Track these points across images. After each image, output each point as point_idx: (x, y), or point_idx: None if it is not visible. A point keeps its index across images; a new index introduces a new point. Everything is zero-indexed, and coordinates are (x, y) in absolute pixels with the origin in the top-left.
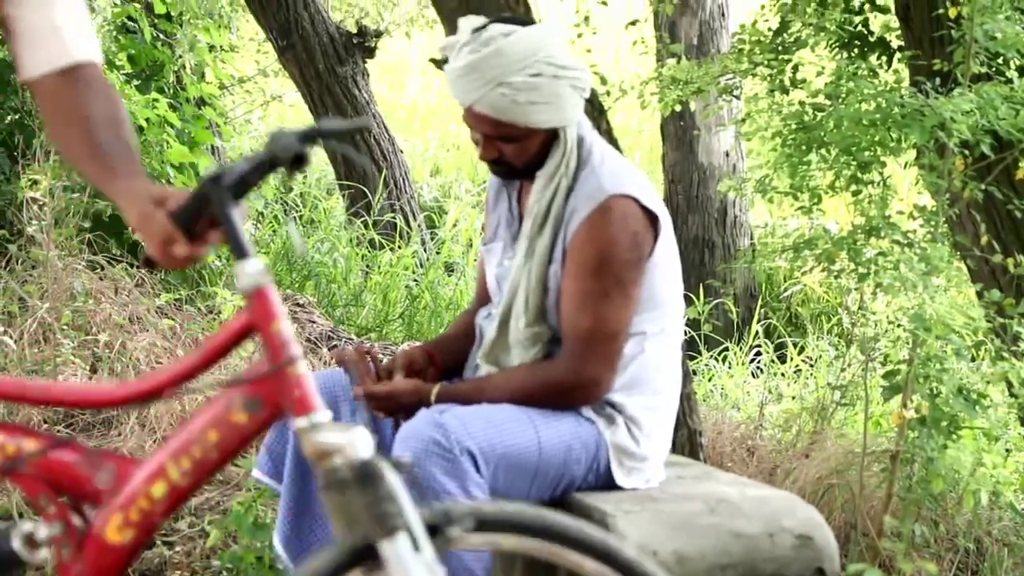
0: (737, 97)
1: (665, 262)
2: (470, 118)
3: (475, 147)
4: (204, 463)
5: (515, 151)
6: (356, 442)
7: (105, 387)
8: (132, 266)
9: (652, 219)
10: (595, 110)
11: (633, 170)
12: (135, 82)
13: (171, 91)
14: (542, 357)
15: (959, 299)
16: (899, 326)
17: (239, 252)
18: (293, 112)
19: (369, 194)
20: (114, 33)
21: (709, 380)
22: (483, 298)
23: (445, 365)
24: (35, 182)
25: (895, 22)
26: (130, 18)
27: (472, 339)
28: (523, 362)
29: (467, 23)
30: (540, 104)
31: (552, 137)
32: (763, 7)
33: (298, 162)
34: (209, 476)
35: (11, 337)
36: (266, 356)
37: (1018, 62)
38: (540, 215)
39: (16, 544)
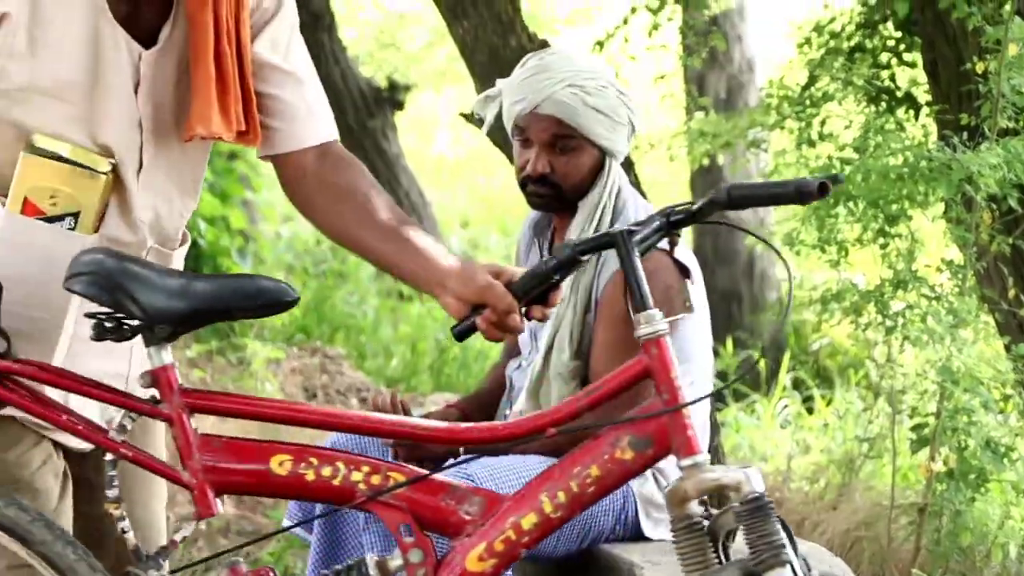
0: (765, 150)
1: (695, 316)
2: (530, 123)
3: (518, 174)
4: (580, 497)
5: (566, 166)
6: (751, 477)
7: (484, 425)
8: None
9: (683, 271)
10: (624, 163)
11: None
12: None
13: None
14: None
15: (987, 352)
16: (927, 379)
17: (642, 303)
18: None
19: None
20: None
21: (737, 432)
22: (512, 350)
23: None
24: None
25: (922, 76)
26: None
27: (503, 391)
28: (561, 396)
29: (501, 83)
30: (603, 117)
31: (598, 167)
32: (791, 61)
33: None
34: (581, 510)
35: None
36: (661, 399)
37: None
38: None
39: (373, 573)
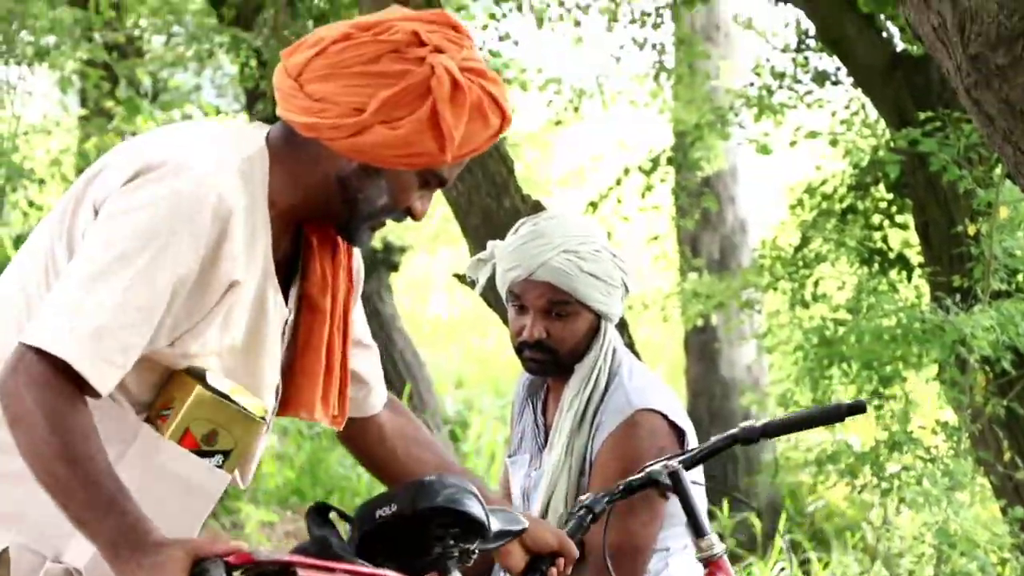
0: (759, 311)
1: (691, 478)
2: (525, 290)
3: (513, 339)
4: None
5: (562, 332)
6: None
7: None
8: None
9: (679, 434)
10: (619, 324)
11: (660, 384)
12: None
13: None
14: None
15: (983, 515)
16: (923, 542)
17: (701, 529)
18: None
19: None
20: None
21: None
22: None
23: None
24: None
25: (914, 238)
26: None
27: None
28: None
29: (493, 246)
30: (599, 281)
31: (594, 330)
32: (783, 222)
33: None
34: None
35: None
36: None
37: None
38: (579, 411)
39: None
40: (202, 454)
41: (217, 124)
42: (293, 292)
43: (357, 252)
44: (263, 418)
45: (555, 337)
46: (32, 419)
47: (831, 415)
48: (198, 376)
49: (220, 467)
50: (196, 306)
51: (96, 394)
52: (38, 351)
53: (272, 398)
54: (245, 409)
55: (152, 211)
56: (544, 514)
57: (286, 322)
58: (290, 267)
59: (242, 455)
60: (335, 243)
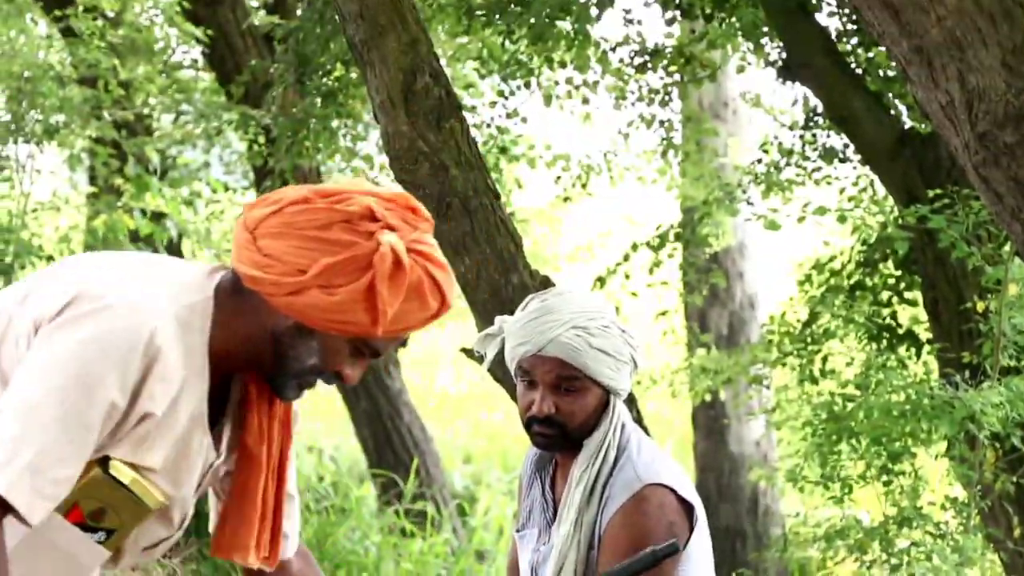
0: (767, 387)
1: (700, 554)
2: (535, 365)
3: (522, 415)
4: None
5: (571, 407)
6: None
7: None
8: (164, 556)
9: (688, 510)
10: (627, 399)
11: (668, 459)
12: None
13: None
14: None
15: None
16: None
17: None
18: (325, 402)
19: (400, 482)
20: None
21: None
22: None
23: None
24: None
25: (923, 314)
26: None
27: None
28: None
29: (501, 321)
30: (608, 357)
31: (603, 405)
32: (792, 298)
33: None
34: None
35: None
36: None
37: None
38: (588, 486)
39: None
40: (86, 528)
41: (168, 267)
42: (226, 436)
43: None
44: (155, 508)
45: (564, 412)
46: None
47: (647, 563)
48: (101, 461)
49: (101, 543)
50: (114, 430)
51: (26, 524)
52: None
53: (169, 527)
54: (138, 497)
55: (86, 348)
56: None
57: (211, 464)
58: (222, 409)
59: (125, 536)
60: (272, 394)
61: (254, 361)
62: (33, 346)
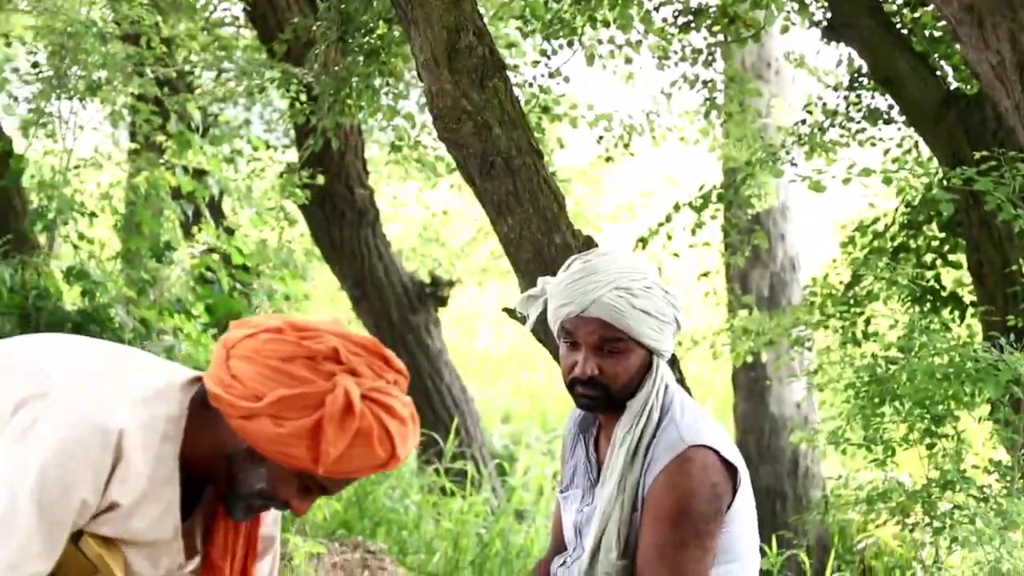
0: (809, 349)
1: (743, 514)
2: (578, 326)
3: (565, 376)
4: None
5: (615, 368)
6: None
7: None
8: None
9: (731, 471)
10: (670, 360)
11: (711, 421)
12: (212, 331)
13: None
14: None
15: None
16: None
17: None
18: None
19: (441, 441)
20: (192, 283)
21: None
22: (558, 546)
23: None
24: None
25: (967, 277)
26: (208, 268)
27: None
28: None
29: (544, 282)
30: (651, 318)
31: (646, 366)
32: (835, 260)
33: None
34: None
35: None
36: None
37: None
38: (631, 447)
39: None
40: None
41: (146, 370)
42: (197, 541)
43: (271, 519)
44: None
45: (607, 373)
46: None
47: None
48: (74, 536)
49: None
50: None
51: None
52: None
53: None
54: (103, 572)
55: (61, 453)
56: (596, 549)
57: (178, 566)
58: (191, 515)
59: None
60: None
61: (210, 476)
62: (5, 443)
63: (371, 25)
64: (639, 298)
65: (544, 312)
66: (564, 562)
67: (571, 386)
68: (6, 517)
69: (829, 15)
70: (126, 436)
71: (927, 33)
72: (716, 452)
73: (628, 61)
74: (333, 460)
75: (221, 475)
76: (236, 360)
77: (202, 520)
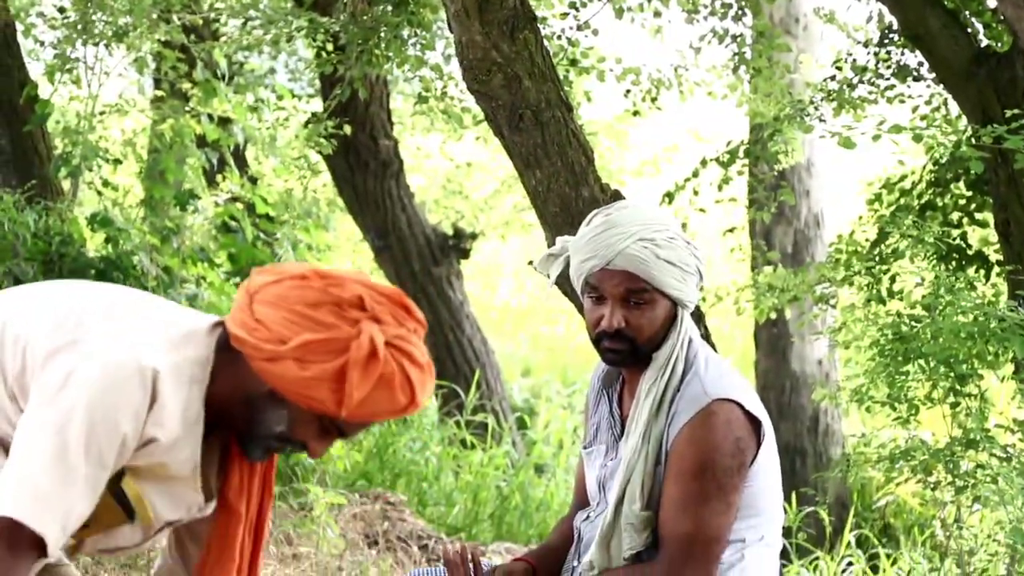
0: (833, 306)
1: (767, 469)
2: (603, 280)
3: (591, 331)
4: None
5: (640, 320)
6: None
7: None
8: None
9: (755, 425)
10: (695, 315)
11: (736, 374)
12: (235, 280)
13: None
14: (652, 543)
15: None
16: (997, 540)
17: None
18: None
19: (462, 393)
20: (215, 232)
21: None
22: (582, 501)
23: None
24: None
25: (993, 236)
26: (232, 217)
27: (571, 544)
28: (632, 547)
29: (563, 241)
30: (675, 268)
31: (671, 318)
32: (860, 217)
33: None
34: None
35: None
36: None
37: None
38: (657, 399)
39: None
40: None
41: (172, 315)
42: (212, 485)
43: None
44: (144, 522)
45: (633, 325)
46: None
47: None
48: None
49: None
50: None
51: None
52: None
53: (141, 535)
54: (133, 511)
55: (103, 399)
56: (620, 501)
57: (197, 508)
58: (210, 459)
59: (92, 533)
60: None
61: (230, 418)
62: (45, 391)
63: None
64: (663, 248)
65: (565, 270)
66: (588, 516)
67: (597, 341)
68: (59, 459)
69: None
70: (160, 378)
71: None
72: (740, 406)
73: (657, 15)
74: (356, 404)
75: (241, 417)
76: (260, 305)
77: (217, 463)
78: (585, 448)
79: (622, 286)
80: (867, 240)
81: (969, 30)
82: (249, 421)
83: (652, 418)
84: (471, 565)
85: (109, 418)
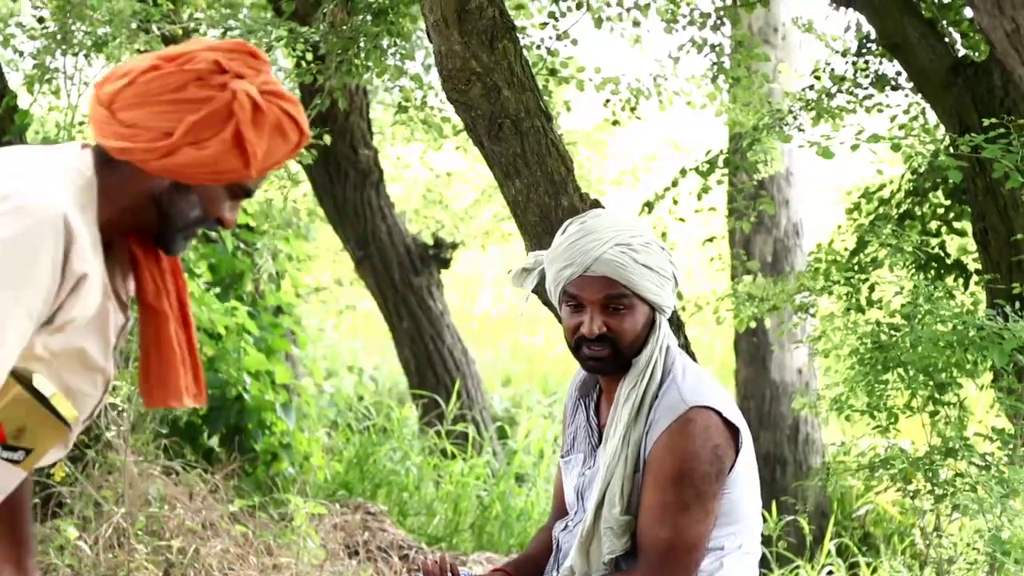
0: (812, 315)
1: (745, 477)
2: (581, 287)
3: (570, 338)
4: None
5: (621, 324)
6: None
7: None
8: (206, 471)
9: (733, 432)
10: (673, 324)
11: (714, 382)
12: (215, 290)
13: (250, 299)
14: (631, 547)
15: None
16: (976, 549)
17: None
18: (366, 321)
19: (442, 403)
20: (194, 243)
21: None
22: (560, 511)
23: None
24: (114, 388)
25: (972, 245)
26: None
27: (550, 554)
28: (612, 551)
29: (536, 256)
30: (652, 272)
31: (650, 323)
32: (839, 227)
33: None
34: None
35: (86, 541)
36: None
37: None
38: (636, 404)
39: None
40: (6, 447)
41: (46, 152)
42: (124, 297)
43: None
44: (69, 426)
45: (614, 330)
46: None
47: None
48: (24, 379)
49: (18, 463)
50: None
51: None
52: None
53: (101, 391)
54: (58, 415)
55: (18, 249)
56: (599, 506)
57: (122, 327)
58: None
59: (38, 457)
60: (156, 251)
61: (138, 225)
62: None
63: None
64: (640, 253)
65: (540, 284)
66: (566, 526)
67: (577, 348)
68: None
69: None
70: (70, 218)
71: (936, 0)
72: (718, 413)
73: (636, 24)
74: (261, 159)
75: (151, 219)
76: (124, 111)
77: (120, 278)
78: (563, 457)
79: (601, 292)
80: (846, 249)
81: (947, 40)
82: (163, 219)
83: (631, 423)
84: (450, 575)
85: (29, 274)
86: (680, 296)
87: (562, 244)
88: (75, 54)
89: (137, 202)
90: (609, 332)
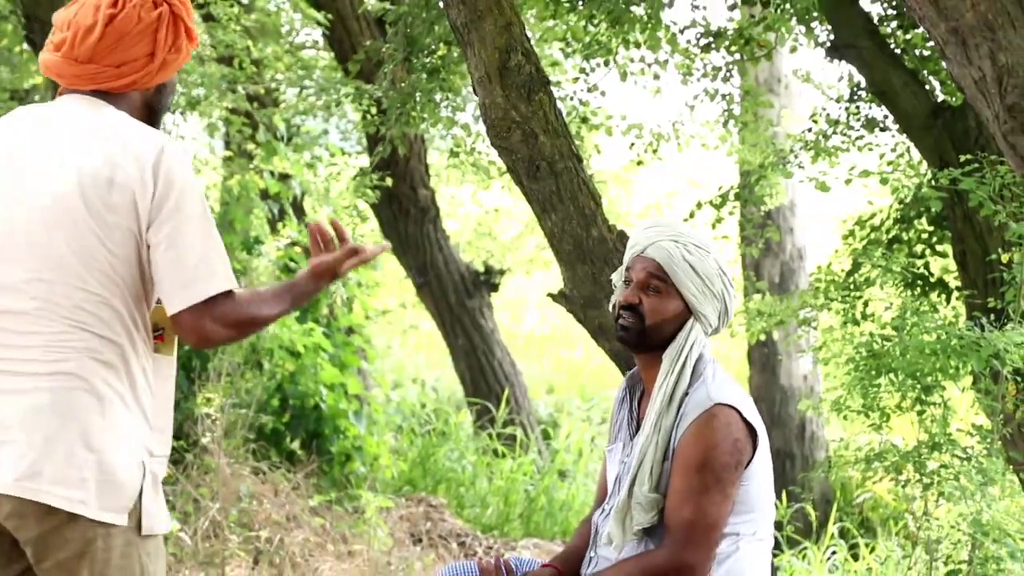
0: (814, 328)
1: (761, 472)
2: (634, 264)
3: (614, 311)
4: None
5: (652, 304)
6: None
7: None
8: (289, 471)
9: (752, 431)
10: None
11: (739, 387)
12: (294, 314)
13: (325, 321)
14: (658, 521)
15: (1013, 507)
16: (959, 530)
17: None
18: (427, 338)
19: (493, 409)
20: (277, 272)
21: None
22: (601, 500)
23: None
24: (209, 400)
25: (953, 265)
26: (291, 259)
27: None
28: (640, 524)
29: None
30: (695, 275)
31: (683, 319)
32: (837, 251)
33: None
34: None
35: (186, 533)
36: None
37: None
38: (667, 393)
39: None
40: (157, 351)
41: (94, 111)
42: None
43: None
44: None
45: (645, 306)
46: (251, 323)
47: None
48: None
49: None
50: None
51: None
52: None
53: None
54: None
55: (193, 183)
56: (632, 483)
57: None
58: None
59: (172, 339)
60: None
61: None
62: (172, 195)
63: (433, 47)
64: (691, 254)
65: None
66: (603, 510)
67: (617, 319)
68: (209, 242)
69: (832, 36)
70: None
71: (917, 52)
72: (738, 412)
73: (656, 77)
74: (194, 26)
75: (153, 113)
76: (107, 57)
77: None
78: (608, 447)
79: (645, 271)
80: (843, 270)
81: (927, 87)
82: (153, 114)
83: (663, 411)
84: (504, 571)
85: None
86: (730, 326)
87: (637, 230)
88: (173, 112)
89: (142, 113)
90: (640, 305)
